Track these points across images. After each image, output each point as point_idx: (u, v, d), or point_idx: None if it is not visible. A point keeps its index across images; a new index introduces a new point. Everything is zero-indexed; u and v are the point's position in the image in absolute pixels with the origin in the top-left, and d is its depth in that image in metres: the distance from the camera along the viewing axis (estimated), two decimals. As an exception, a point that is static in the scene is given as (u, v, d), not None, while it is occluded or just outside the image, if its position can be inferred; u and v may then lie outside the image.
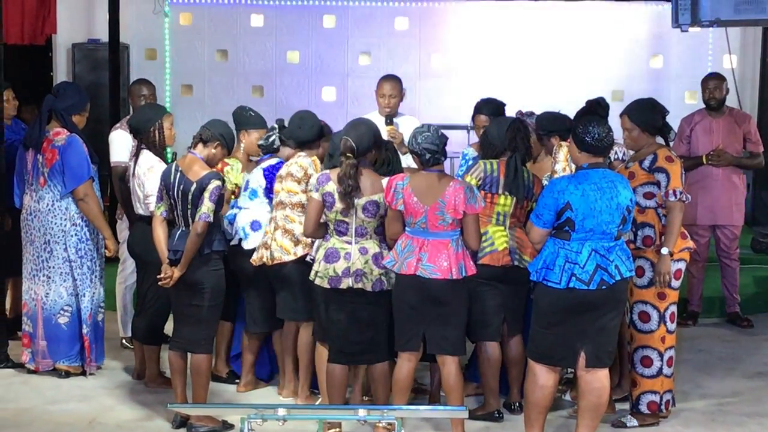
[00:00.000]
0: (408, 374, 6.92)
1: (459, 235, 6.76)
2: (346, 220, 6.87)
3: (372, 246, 6.91)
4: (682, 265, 7.29)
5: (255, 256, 7.53)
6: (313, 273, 6.99)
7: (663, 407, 7.32)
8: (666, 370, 7.29)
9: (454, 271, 6.69)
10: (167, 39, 13.97)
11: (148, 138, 7.67)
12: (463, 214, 6.69)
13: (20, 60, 12.39)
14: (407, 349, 6.89)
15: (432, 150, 6.73)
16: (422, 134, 6.76)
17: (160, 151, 7.71)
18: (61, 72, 13.63)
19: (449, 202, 6.66)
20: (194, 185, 6.95)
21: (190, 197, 6.97)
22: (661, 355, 7.27)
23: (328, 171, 6.94)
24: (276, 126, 7.74)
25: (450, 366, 6.88)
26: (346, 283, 6.84)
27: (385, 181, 6.87)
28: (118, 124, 8.96)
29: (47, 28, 12.98)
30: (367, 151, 6.91)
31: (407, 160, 7.80)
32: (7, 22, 11.24)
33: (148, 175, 7.57)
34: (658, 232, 7.19)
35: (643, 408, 7.31)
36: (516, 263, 7.19)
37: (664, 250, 7.08)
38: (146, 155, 7.65)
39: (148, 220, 7.58)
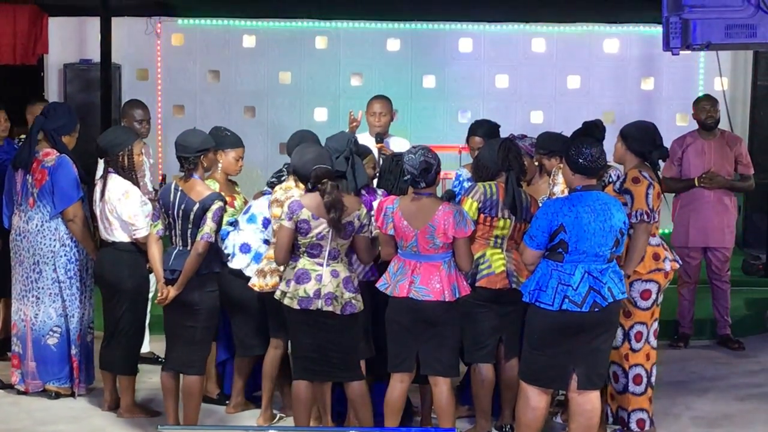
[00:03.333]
0: (400, 396, 6.91)
1: (451, 256, 6.77)
2: (321, 243, 6.84)
3: (342, 269, 6.90)
4: (652, 286, 7.26)
5: (261, 282, 7.43)
6: (279, 293, 6.94)
7: (634, 425, 7.29)
8: (633, 388, 7.28)
9: (447, 293, 6.69)
10: (159, 59, 13.98)
11: (116, 162, 7.62)
12: (453, 238, 6.69)
13: (11, 80, 12.39)
14: (400, 370, 6.88)
15: (410, 172, 6.74)
16: (408, 154, 6.80)
17: (128, 174, 7.64)
18: (52, 92, 13.62)
19: (439, 226, 6.67)
20: (197, 205, 6.94)
21: (191, 217, 6.95)
22: (625, 372, 7.27)
23: (299, 198, 6.90)
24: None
25: (442, 387, 6.87)
26: (317, 305, 6.81)
27: (380, 199, 6.88)
28: None
29: (39, 48, 12.99)
30: (338, 172, 6.93)
31: None
32: (0, 43, 11.27)
33: (123, 201, 7.53)
34: (626, 252, 7.19)
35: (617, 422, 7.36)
36: (514, 286, 7.16)
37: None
38: (116, 180, 7.59)
39: (117, 245, 7.62)
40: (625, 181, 7.22)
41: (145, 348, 8.83)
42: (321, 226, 6.79)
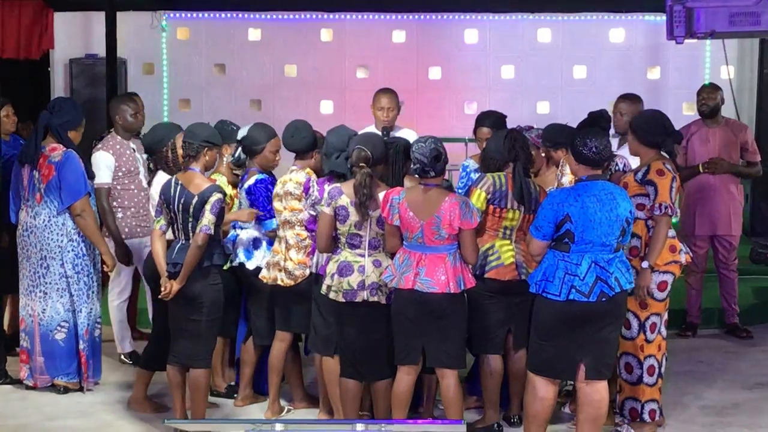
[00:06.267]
0: (407, 388, 6.91)
1: (456, 248, 6.76)
2: (360, 233, 6.88)
3: (385, 259, 6.92)
4: (668, 278, 7.28)
5: (266, 274, 7.50)
6: (324, 287, 6.99)
7: (646, 416, 7.30)
8: (647, 379, 7.28)
9: (452, 285, 6.68)
10: (165, 53, 13.99)
11: (161, 158, 7.60)
12: (458, 230, 6.69)
13: (17, 76, 12.39)
14: (407, 362, 6.88)
15: (420, 161, 6.72)
16: (418, 143, 6.78)
17: (174, 170, 7.57)
18: (58, 87, 13.63)
19: (444, 217, 6.66)
20: (196, 198, 6.94)
21: (191, 210, 6.95)
22: (640, 363, 7.27)
23: (339, 185, 6.94)
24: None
25: (449, 379, 6.86)
26: (362, 296, 6.85)
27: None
28: (99, 145, 8.82)
29: (44, 43, 12.99)
30: (379, 162, 6.93)
31: None
32: (4, 37, 11.26)
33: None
34: (644, 243, 7.19)
35: (626, 413, 7.34)
36: (523, 277, 7.15)
37: (644, 264, 7.09)
38: (160, 176, 7.56)
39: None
40: (648, 172, 7.20)
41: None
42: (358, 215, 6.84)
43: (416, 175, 6.85)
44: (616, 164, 7.71)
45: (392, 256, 6.91)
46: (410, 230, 6.73)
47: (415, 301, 6.72)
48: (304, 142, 7.47)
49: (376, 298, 6.86)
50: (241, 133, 7.77)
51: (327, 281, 6.97)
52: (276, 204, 7.44)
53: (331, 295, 6.94)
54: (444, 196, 6.73)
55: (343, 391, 7.06)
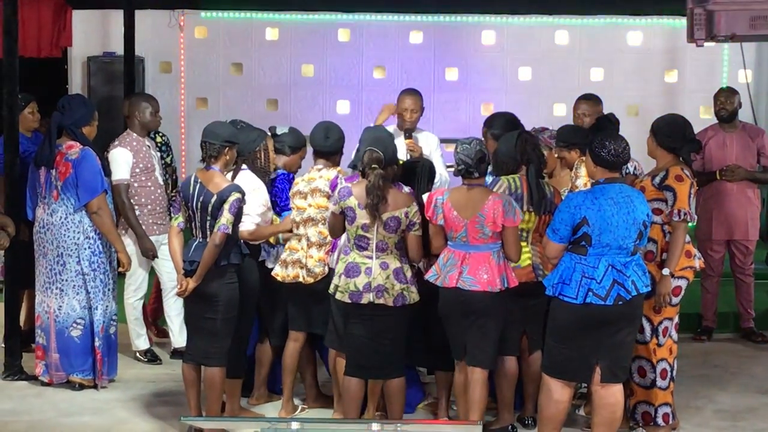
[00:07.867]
0: (464, 381, 7.00)
1: (500, 247, 6.81)
2: (368, 235, 6.88)
3: (393, 261, 6.91)
4: (682, 283, 7.26)
5: (283, 273, 7.49)
6: (332, 287, 7.01)
7: (660, 420, 7.28)
8: (660, 383, 7.26)
9: (495, 283, 6.73)
10: (182, 52, 14.01)
11: (253, 159, 7.57)
12: (501, 227, 6.71)
13: (35, 73, 12.42)
14: (459, 359, 7.01)
15: (465, 162, 6.78)
16: (462, 145, 6.85)
17: (262, 172, 7.59)
18: (76, 85, 13.66)
19: (488, 215, 6.70)
20: (215, 197, 6.94)
21: (210, 209, 6.95)
22: (653, 366, 7.25)
23: (350, 185, 6.95)
24: (269, 134, 7.73)
25: (478, 377, 6.91)
26: (367, 298, 6.85)
27: (425, 196, 6.94)
28: (116, 142, 8.81)
29: (63, 40, 13.04)
30: (390, 163, 6.94)
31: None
32: (23, 35, 11.29)
33: (251, 194, 7.33)
34: (660, 248, 7.18)
35: (638, 417, 7.33)
36: (539, 279, 7.15)
37: (665, 271, 7.07)
38: (246, 176, 7.43)
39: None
40: (666, 177, 7.19)
41: (180, 344, 8.80)
42: (366, 217, 6.84)
43: (460, 176, 6.89)
44: (627, 167, 7.70)
45: (406, 258, 6.95)
46: (454, 229, 6.79)
47: (457, 300, 6.79)
48: (338, 145, 7.49)
49: (382, 300, 6.85)
50: (280, 130, 7.78)
51: (335, 281, 7.00)
52: (299, 201, 7.41)
53: (338, 296, 6.95)
54: (487, 195, 6.79)
55: (345, 389, 7.07)
